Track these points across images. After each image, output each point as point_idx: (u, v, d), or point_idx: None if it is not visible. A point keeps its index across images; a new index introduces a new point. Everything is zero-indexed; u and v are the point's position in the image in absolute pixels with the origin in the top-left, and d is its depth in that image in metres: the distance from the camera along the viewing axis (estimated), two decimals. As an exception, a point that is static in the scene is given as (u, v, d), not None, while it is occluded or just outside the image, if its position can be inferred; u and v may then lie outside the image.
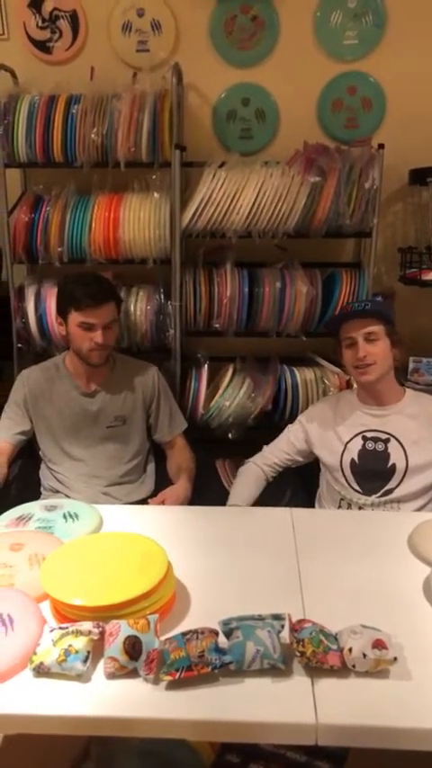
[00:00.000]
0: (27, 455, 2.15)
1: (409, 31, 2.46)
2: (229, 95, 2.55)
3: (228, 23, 2.49)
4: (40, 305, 2.40)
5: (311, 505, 2.07)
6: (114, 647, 1.06)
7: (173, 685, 1.04)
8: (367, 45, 2.48)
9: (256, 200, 2.23)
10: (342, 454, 1.95)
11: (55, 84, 2.42)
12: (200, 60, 2.51)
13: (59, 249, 2.36)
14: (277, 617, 1.14)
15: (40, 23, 2.52)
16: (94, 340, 1.97)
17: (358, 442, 1.95)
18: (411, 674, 1.07)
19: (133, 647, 1.06)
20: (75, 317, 1.98)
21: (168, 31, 2.49)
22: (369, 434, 1.94)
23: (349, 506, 1.94)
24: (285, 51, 2.51)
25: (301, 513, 1.68)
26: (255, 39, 2.50)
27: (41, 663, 1.06)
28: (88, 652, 1.07)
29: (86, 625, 1.10)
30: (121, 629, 1.08)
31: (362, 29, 2.47)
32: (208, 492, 2.11)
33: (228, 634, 1.10)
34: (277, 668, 1.06)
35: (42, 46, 2.54)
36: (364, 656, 1.05)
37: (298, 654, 1.07)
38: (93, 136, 2.27)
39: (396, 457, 1.90)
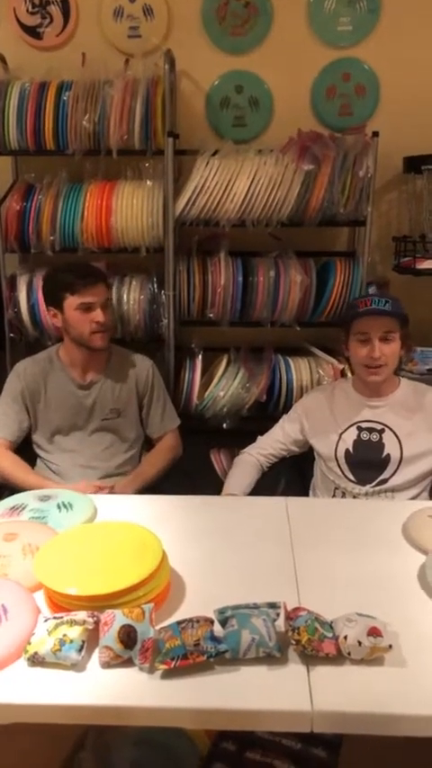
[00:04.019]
0: (23, 446, 2.13)
1: (403, 16, 2.45)
2: (223, 82, 2.53)
3: (220, 9, 2.46)
4: (32, 294, 2.39)
5: (306, 495, 2.07)
6: (109, 637, 1.06)
7: (168, 674, 1.04)
8: (361, 31, 2.47)
9: (249, 188, 2.22)
10: (337, 444, 1.95)
11: (46, 71, 2.40)
12: (192, 47, 2.49)
13: (51, 238, 2.34)
14: (272, 605, 1.13)
15: (30, 9, 2.48)
16: (95, 320, 1.98)
17: (353, 433, 1.95)
18: (406, 661, 1.07)
19: (128, 637, 1.06)
20: (72, 301, 1.98)
21: (160, 16, 2.47)
22: (364, 425, 1.94)
23: (343, 495, 1.94)
24: (279, 38, 2.49)
25: (295, 502, 1.67)
26: (248, 25, 2.47)
27: (36, 652, 1.05)
28: (83, 641, 1.07)
29: (81, 614, 1.10)
30: (116, 619, 1.07)
31: (356, 15, 2.45)
32: (202, 482, 2.11)
33: (223, 623, 1.10)
34: (273, 656, 1.06)
35: (33, 31, 2.50)
36: (360, 643, 1.05)
37: (293, 642, 1.07)
38: (84, 123, 2.25)
39: (391, 447, 1.90)
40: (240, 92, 2.53)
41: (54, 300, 2.03)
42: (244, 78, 2.52)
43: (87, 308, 1.98)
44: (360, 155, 2.25)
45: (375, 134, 2.27)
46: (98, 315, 1.99)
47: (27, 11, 2.49)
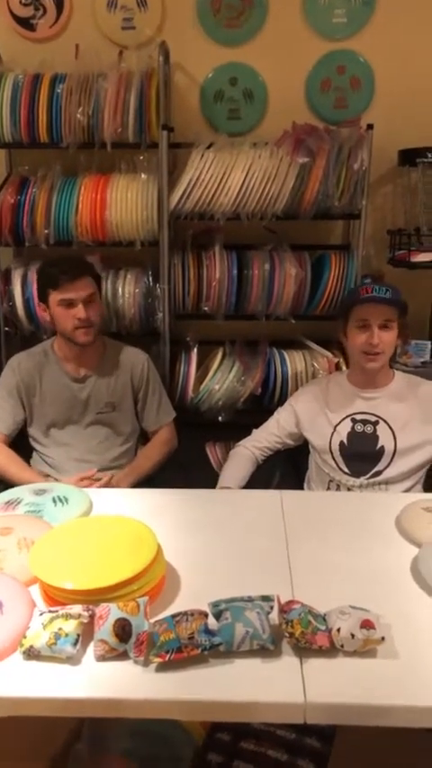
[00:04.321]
0: (18, 440, 2.13)
1: (397, 9, 2.43)
2: (217, 75, 2.52)
3: (215, 1, 2.44)
4: (26, 288, 2.38)
5: (301, 487, 2.08)
6: (104, 630, 1.07)
7: (163, 667, 1.05)
8: (356, 23, 2.45)
9: (244, 181, 2.21)
10: (331, 436, 1.96)
11: (39, 63, 2.38)
12: (187, 39, 2.47)
13: (46, 231, 2.33)
14: (266, 598, 1.14)
15: (23, 0, 2.46)
16: (76, 316, 1.97)
17: (347, 425, 1.95)
18: (398, 653, 1.08)
19: (123, 630, 1.07)
20: (54, 297, 1.98)
21: (154, 7, 2.45)
22: (358, 416, 1.95)
23: (338, 488, 1.95)
24: (274, 30, 2.48)
25: (290, 495, 1.68)
26: (243, 17, 2.46)
27: (31, 646, 1.06)
28: (78, 635, 1.07)
29: (76, 608, 1.10)
30: (111, 612, 1.08)
31: (350, 7, 2.43)
32: (198, 474, 2.11)
33: (217, 616, 1.11)
34: (266, 649, 1.07)
35: (26, 23, 2.48)
36: (353, 636, 1.05)
37: (287, 635, 1.07)
38: (78, 116, 2.24)
39: (385, 439, 1.91)
40: (235, 84, 2.52)
41: (41, 295, 2.04)
42: (238, 71, 2.51)
43: (69, 304, 1.97)
44: (355, 148, 2.24)
45: (370, 127, 2.26)
46: (79, 311, 1.97)
47: (20, 2, 2.46)
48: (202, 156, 2.23)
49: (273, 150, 2.25)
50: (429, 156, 2.33)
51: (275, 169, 2.22)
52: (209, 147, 2.27)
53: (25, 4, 2.46)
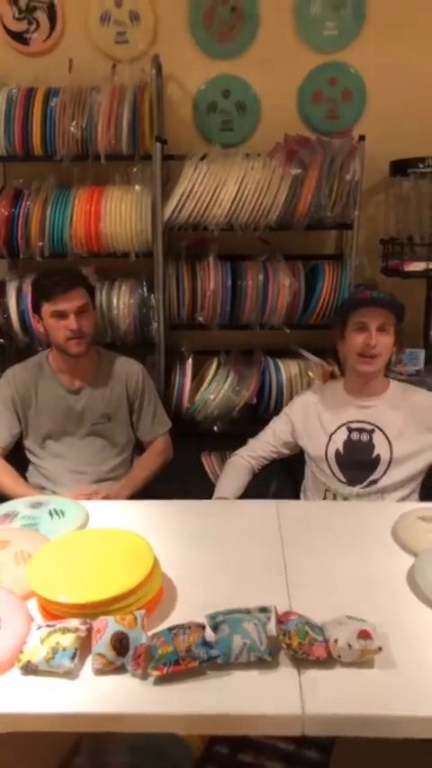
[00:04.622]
0: (14, 452, 2.13)
1: (388, 21, 2.46)
2: (210, 87, 2.54)
3: (207, 15, 2.47)
4: (21, 300, 2.38)
5: (297, 497, 2.09)
6: (102, 644, 1.06)
7: (161, 680, 1.04)
8: (347, 36, 2.48)
9: (237, 192, 2.23)
10: (327, 445, 1.96)
11: (33, 77, 2.40)
12: (179, 52, 2.50)
13: (40, 243, 2.34)
14: (263, 610, 1.14)
15: (16, 14, 2.48)
16: (68, 327, 1.97)
17: (343, 433, 1.96)
18: (396, 663, 1.08)
19: (120, 643, 1.07)
20: (47, 309, 1.98)
21: (147, 22, 2.47)
22: (354, 425, 1.96)
23: (334, 497, 1.96)
24: (265, 42, 2.50)
25: (286, 504, 1.69)
26: (234, 30, 2.48)
27: (29, 661, 1.06)
28: (76, 649, 1.07)
29: (73, 622, 1.10)
30: (109, 626, 1.08)
31: (341, 20, 2.46)
32: (194, 484, 2.11)
33: (215, 628, 1.11)
34: (264, 660, 1.07)
35: (19, 37, 2.50)
36: (350, 646, 1.06)
37: (284, 646, 1.08)
38: (72, 129, 2.26)
39: (380, 448, 1.91)
40: (227, 96, 2.54)
41: (35, 307, 2.05)
42: (231, 83, 2.53)
43: (60, 316, 1.97)
44: (347, 158, 2.26)
45: (362, 138, 2.28)
46: (71, 322, 1.97)
47: (13, 17, 2.49)
48: (196, 167, 2.25)
49: (265, 161, 2.27)
50: (421, 166, 2.35)
51: (268, 180, 2.23)
52: (202, 158, 2.28)
53: (19, 19, 2.48)
